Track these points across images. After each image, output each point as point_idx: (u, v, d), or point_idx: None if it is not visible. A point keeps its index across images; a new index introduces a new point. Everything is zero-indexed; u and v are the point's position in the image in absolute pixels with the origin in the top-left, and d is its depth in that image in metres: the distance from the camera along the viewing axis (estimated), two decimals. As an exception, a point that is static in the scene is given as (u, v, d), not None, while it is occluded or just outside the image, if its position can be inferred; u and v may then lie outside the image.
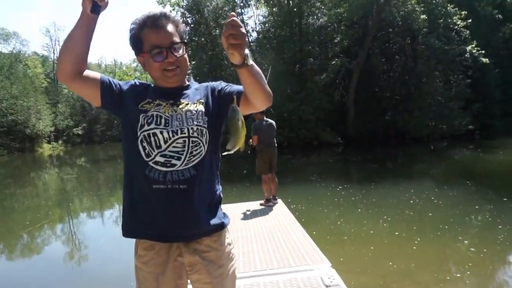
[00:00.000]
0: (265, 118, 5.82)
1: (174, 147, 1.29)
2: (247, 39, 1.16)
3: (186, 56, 1.38)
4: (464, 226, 5.66)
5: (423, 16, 19.34)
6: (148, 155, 1.29)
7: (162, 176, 1.28)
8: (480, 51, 19.76)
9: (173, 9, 25.80)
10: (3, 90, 33.13)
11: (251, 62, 1.14)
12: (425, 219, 5.94)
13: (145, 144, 1.30)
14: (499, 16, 25.06)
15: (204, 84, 1.50)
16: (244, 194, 8.35)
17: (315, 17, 24.15)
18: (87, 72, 1.30)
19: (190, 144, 1.31)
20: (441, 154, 15.93)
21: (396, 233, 5.23)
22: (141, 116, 1.31)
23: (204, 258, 1.34)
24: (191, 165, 1.30)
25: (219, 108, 1.40)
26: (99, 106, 1.37)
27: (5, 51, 40.27)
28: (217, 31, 24.86)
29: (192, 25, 25.80)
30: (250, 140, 5.67)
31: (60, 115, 43.69)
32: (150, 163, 1.29)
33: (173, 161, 1.29)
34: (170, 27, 1.34)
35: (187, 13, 25.93)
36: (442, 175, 10.76)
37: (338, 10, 21.91)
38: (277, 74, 21.16)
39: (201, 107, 1.37)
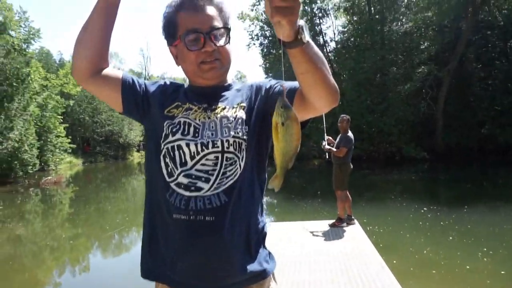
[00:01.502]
0: None
1: (202, 164, 1.00)
2: (306, 19, 0.75)
3: (229, 48, 1.09)
4: None
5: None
6: (170, 174, 1.02)
7: (185, 203, 0.99)
8: None
9: (253, 23, 26.51)
10: (103, 104, 37.28)
11: (307, 38, 0.80)
12: (540, 257, 4.82)
13: (168, 160, 1.02)
14: None
15: (249, 83, 1.17)
16: (316, 211, 7.85)
17: (399, 23, 22.65)
18: (107, 71, 1.08)
19: (224, 162, 1.01)
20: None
21: (502, 272, 4.28)
22: (165, 124, 1.05)
23: None
24: (221, 189, 1.00)
25: (267, 113, 1.04)
26: (121, 112, 1.14)
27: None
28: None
29: (270, 38, 26.15)
30: (325, 146, 5.21)
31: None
32: (172, 184, 1.01)
33: (199, 184, 0.99)
34: (211, 10, 1.07)
35: (265, 27, 26.37)
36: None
37: (427, 14, 20.23)
38: (356, 84, 20.22)
39: (242, 113, 1.07)
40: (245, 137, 1.04)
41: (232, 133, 1.02)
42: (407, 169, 15.87)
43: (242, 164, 1.03)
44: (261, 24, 26.63)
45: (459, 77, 19.42)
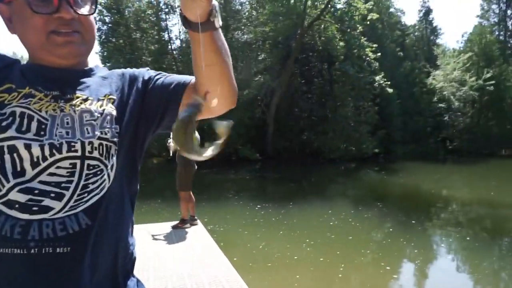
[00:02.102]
0: None
1: (51, 174, 0.70)
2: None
3: (93, 20, 0.81)
4: (383, 250, 5.67)
5: (342, 43, 20.70)
6: None
7: (21, 231, 0.68)
8: (386, 82, 21.89)
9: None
10: None
11: (220, 22, 0.70)
12: (347, 243, 5.82)
13: None
14: (401, 53, 28.33)
15: (118, 70, 0.88)
16: (156, 213, 7.45)
17: (241, 32, 24.27)
18: None
19: (85, 171, 0.73)
20: (351, 175, 16.84)
21: (321, 259, 4.95)
22: None
23: None
24: (81, 208, 0.72)
25: (146, 112, 0.85)
26: None
27: None
28: (138, 34, 23.41)
29: (110, 25, 23.85)
30: (170, 143, 4.94)
31: None
32: None
33: (47, 202, 0.69)
34: None
35: (105, 11, 23.90)
36: (354, 196, 11.17)
37: (264, 28, 22.35)
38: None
39: (111, 108, 0.80)
40: (115, 139, 0.77)
41: (97, 133, 0.75)
42: (242, 169, 17.06)
43: (112, 174, 0.76)
44: (100, 7, 24.00)
45: (288, 89, 22.23)
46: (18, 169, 0.69)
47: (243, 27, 24.09)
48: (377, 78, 22.10)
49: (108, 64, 24.52)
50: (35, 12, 0.73)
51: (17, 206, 0.68)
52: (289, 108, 22.59)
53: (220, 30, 0.72)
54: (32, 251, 0.67)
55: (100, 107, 0.79)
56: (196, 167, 5.31)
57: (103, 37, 24.35)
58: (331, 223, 7.04)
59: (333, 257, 5.07)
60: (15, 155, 0.69)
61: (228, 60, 0.77)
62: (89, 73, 0.84)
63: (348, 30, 21.33)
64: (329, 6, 20.74)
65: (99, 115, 0.77)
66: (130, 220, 0.84)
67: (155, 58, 22.76)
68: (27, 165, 0.69)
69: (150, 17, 24.08)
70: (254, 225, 6.86)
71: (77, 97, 0.78)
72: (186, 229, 5.04)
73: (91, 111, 0.77)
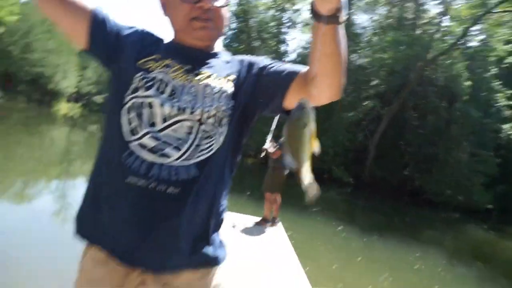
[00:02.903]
0: None
1: (174, 130, 0.88)
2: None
3: (225, 11, 0.98)
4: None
5: (468, 83, 18.74)
6: (133, 132, 0.88)
7: (146, 168, 0.85)
8: (516, 133, 19.03)
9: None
10: (39, 42, 33.67)
11: (344, 17, 0.76)
12: (431, 291, 5.28)
13: (132, 115, 0.88)
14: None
15: (239, 56, 1.05)
16: (242, 207, 7.81)
17: (357, 56, 23.84)
18: None
19: (199, 134, 0.89)
20: (452, 226, 15.06)
21: (398, 297, 4.59)
22: (138, 75, 0.91)
23: None
24: (193, 162, 0.88)
25: (256, 94, 0.98)
26: (84, 49, 0.94)
27: None
28: (257, 43, 24.84)
29: (235, 31, 25.86)
30: (268, 147, 5.18)
31: (86, 80, 44.42)
32: (133, 144, 0.87)
33: (168, 150, 0.86)
34: None
35: (234, 18, 26.00)
36: (451, 247, 9.98)
37: (383, 55, 21.58)
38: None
39: (228, 86, 0.96)
40: (228, 112, 0.92)
41: (215, 104, 0.92)
42: (333, 189, 16.65)
43: (221, 140, 0.91)
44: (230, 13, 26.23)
45: (397, 119, 20.99)
46: (152, 121, 0.88)
47: (359, 51, 23.65)
48: (506, 126, 19.34)
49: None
50: (183, 1, 0.92)
51: (147, 148, 0.86)
52: (395, 139, 21.28)
53: (343, 25, 0.79)
54: (150, 186, 0.84)
55: (220, 84, 0.95)
56: (286, 172, 5.41)
57: (228, 40, 26.51)
58: (416, 267, 6.43)
59: (412, 300, 4.65)
60: (151, 110, 0.88)
61: (344, 54, 0.83)
62: (215, 55, 1.02)
63: (478, 70, 19.23)
64: (460, 42, 19.03)
65: (218, 90, 0.93)
66: (227, 184, 0.98)
67: (270, 67, 23.84)
68: (158, 119, 0.88)
69: (272, 29, 25.33)
70: (333, 244, 6.68)
71: (203, 73, 0.95)
72: (267, 228, 5.19)
73: (212, 86, 0.93)
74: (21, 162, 8.90)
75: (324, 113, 20.70)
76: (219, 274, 0.98)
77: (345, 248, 6.63)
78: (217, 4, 0.94)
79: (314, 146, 0.81)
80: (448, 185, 18.86)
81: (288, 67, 0.96)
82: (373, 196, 17.14)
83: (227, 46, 26.21)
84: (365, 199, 16.12)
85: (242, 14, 25.32)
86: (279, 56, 25.07)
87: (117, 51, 0.95)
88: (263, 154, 5.41)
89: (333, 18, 0.74)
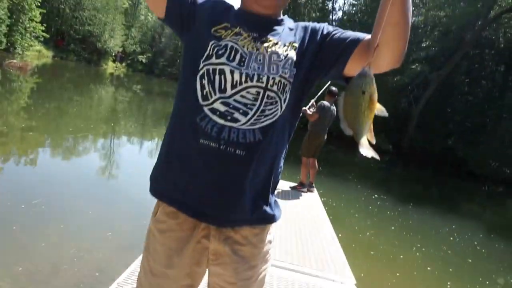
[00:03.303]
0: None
1: (242, 96, 0.94)
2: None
3: None
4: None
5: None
6: (205, 97, 0.95)
7: (217, 131, 0.93)
8: None
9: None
10: (88, 0, 34.45)
11: None
12: (463, 265, 5.31)
13: (205, 82, 0.96)
14: None
15: (302, 23, 1.09)
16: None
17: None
18: None
19: (265, 100, 0.95)
20: (494, 199, 14.53)
21: (428, 268, 4.70)
22: (211, 44, 0.97)
23: (235, 252, 1.01)
24: (258, 126, 0.95)
25: (319, 61, 1.02)
26: (161, 17, 1.03)
27: None
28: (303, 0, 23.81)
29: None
30: (308, 110, 5.25)
31: (131, 39, 45.23)
32: (206, 108, 0.95)
33: (237, 115, 0.94)
34: None
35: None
36: (490, 221, 9.76)
37: (438, 13, 20.00)
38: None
39: (293, 53, 1.00)
40: (291, 79, 0.98)
41: (280, 71, 0.96)
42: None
43: (284, 106, 0.98)
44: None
45: (445, 85, 19.79)
46: (222, 87, 0.94)
47: (413, 8, 22.03)
48: None
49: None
50: None
51: (218, 113, 0.93)
52: (441, 106, 20.19)
53: None
54: (221, 147, 0.92)
55: (285, 51, 0.99)
56: (322, 138, 5.47)
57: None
58: (451, 238, 6.45)
59: (442, 272, 4.75)
60: (222, 76, 0.94)
61: (409, 22, 0.85)
62: (280, 22, 1.05)
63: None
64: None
65: (283, 57, 0.97)
66: (285, 147, 1.07)
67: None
68: (228, 85, 0.94)
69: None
70: (367, 212, 6.81)
71: (270, 41, 0.99)
72: (303, 193, 5.40)
73: (278, 53, 0.97)
74: (72, 119, 9.63)
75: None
76: (273, 231, 1.10)
77: (379, 217, 6.73)
78: None
79: (378, 109, 0.85)
80: (494, 157, 17.90)
81: (351, 34, 0.99)
82: (411, 166, 16.77)
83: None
84: (402, 168, 15.84)
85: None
86: (326, 14, 24.04)
87: (190, 20, 1.01)
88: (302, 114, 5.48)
89: None
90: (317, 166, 5.61)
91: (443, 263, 5.08)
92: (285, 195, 5.08)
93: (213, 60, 0.95)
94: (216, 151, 0.93)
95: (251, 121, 0.94)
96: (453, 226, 7.28)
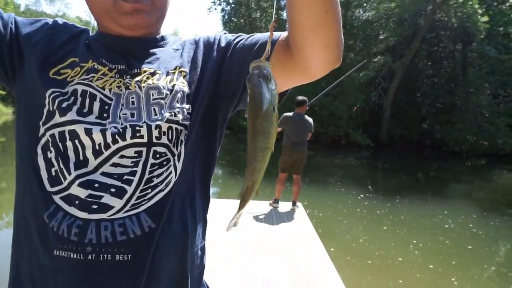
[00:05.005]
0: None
1: (114, 165, 0.62)
2: None
3: None
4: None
5: (484, 18, 17.53)
6: (55, 181, 0.62)
7: (78, 232, 0.60)
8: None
9: (217, -13, 25.10)
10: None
11: None
12: (464, 253, 5.06)
13: (51, 155, 0.62)
14: None
15: (191, 38, 0.75)
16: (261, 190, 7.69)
17: (363, 10, 22.77)
18: None
19: (150, 161, 0.63)
20: (479, 173, 14.64)
21: (431, 266, 4.41)
22: (48, 94, 0.63)
23: None
24: (144, 207, 0.62)
25: (224, 84, 0.71)
26: None
27: (49, 12, 42.68)
28: (257, 14, 24.02)
29: (233, 5, 25.06)
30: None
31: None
32: (57, 198, 0.61)
33: (106, 199, 0.61)
34: None
35: (230, -8, 25.14)
36: (480, 198, 9.67)
37: (389, 5, 20.49)
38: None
39: (182, 83, 0.69)
40: (186, 122, 0.66)
41: (166, 114, 0.65)
42: (351, 154, 16.36)
43: (179, 166, 0.66)
44: (225, -12, 25.30)
45: (410, 71, 20.16)
46: (81, 158, 0.62)
47: (365, 4, 22.54)
48: (528, 59, 18.21)
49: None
50: None
51: (77, 202, 0.61)
52: (410, 93, 20.57)
53: None
54: (89, 257, 0.60)
55: (170, 82, 0.68)
56: (298, 152, 5.01)
57: (226, 17, 25.75)
58: (446, 226, 6.23)
59: (445, 266, 4.47)
60: (76, 141, 0.62)
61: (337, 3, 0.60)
62: (159, 42, 0.74)
63: (495, 3, 18.01)
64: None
65: (168, 92, 0.67)
66: (200, 219, 0.73)
67: (273, 37, 23.37)
68: (89, 153, 0.62)
69: (270, -3, 24.42)
70: (356, 216, 6.52)
71: (144, 71, 0.68)
72: (290, 211, 5.02)
73: (159, 87, 0.67)
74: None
75: (332, 77, 20.09)
76: None
77: (369, 218, 6.45)
78: None
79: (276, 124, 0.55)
80: (470, 132, 18.21)
81: (260, 36, 0.70)
82: (393, 156, 16.78)
83: (227, 23, 25.49)
84: (385, 160, 15.79)
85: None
86: (281, 24, 24.19)
87: (15, 63, 0.67)
88: None
89: None
90: (300, 184, 5.22)
91: (444, 256, 4.80)
92: (268, 218, 4.71)
93: (58, 118, 0.62)
94: (83, 264, 0.60)
95: (132, 201, 0.62)
96: (445, 212, 7.10)
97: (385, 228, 5.95)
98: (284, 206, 5.20)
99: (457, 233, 5.98)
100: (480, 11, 17.98)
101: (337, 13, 0.60)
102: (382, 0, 20.90)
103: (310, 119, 5.11)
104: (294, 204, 5.14)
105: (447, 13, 19.46)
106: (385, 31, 21.62)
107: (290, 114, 4.99)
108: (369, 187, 9.35)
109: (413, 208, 7.48)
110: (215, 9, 26.69)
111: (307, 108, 5.12)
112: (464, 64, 19.87)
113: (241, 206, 0.60)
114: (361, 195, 7.99)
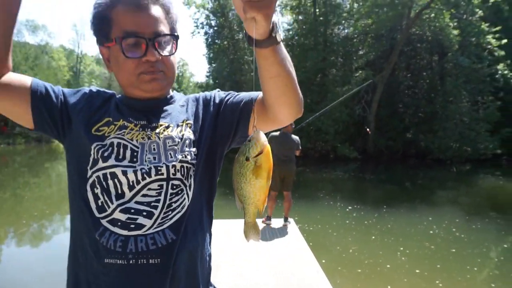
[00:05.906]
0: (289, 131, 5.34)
1: (144, 196, 0.85)
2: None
3: (174, 58, 0.93)
4: (495, 269, 5.06)
5: (455, 32, 18.46)
6: (102, 209, 0.85)
7: (121, 244, 0.83)
8: (512, 73, 18.77)
9: (198, 11, 25.73)
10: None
11: (281, 36, 0.74)
12: (448, 257, 5.33)
13: (98, 191, 0.86)
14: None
15: (191, 96, 1.03)
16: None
17: (342, 27, 23.64)
18: (10, 77, 0.85)
19: (169, 191, 0.87)
20: (464, 179, 15.09)
21: (417, 271, 4.66)
22: (93, 147, 0.87)
23: None
24: (167, 225, 0.86)
25: (220, 132, 0.96)
26: (32, 129, 0.90)
27: (32, 42, 41.67)
28: (240, 35, 24.62)
29: (215, 28, 25.67)
30: None
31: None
32: (104, 222, 0.85)
33: (140, 220, 0.84)
34: (156, 10, 0.88)
35: (211, 16, 25.80)
36: (464, 203, 10.03)
37: (366, 21, 21.37)
38: (298, 82, 20.71)
39: (188, 133, 0.93)
40: (193, 161, 0.90)
41: (179, 156, 0.89)
42: (339, 168, 16.71)
43: (190, 194, 0.90)
44: (207, 12, 25.99)
45: (391, 84, 20.85)
46: (119, 191, 0.85)
47: (343, 21, 23.42)
48: (500, 67, 19.05)
49: (213, 65, 26.48)
50: (127, 57, 0.86)
51: (119, 223, 0.84)
52: (392, 104, 21.22)
53: (282, 44, 0.76)
54: (131, 262, 0.82)
55: (180, 132, 0.92)
56: (284, 170, 5.26)
57: (209, 39, 26.30)
58: (431, 232, 6.52)
59: (431, 270, 4.73)
60: (116, 180, 0.85)
61: (292, 71, 0.81)
62: (169, 101, 0.98)
63: (464, 16, 18.96)
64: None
65: (179, 140, 0.90)
66: (208, 232, 0.97)
67: (256, 57, 23.76)
68: (125, 188, 0.85)
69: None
70: (345, 228, 6.77)
71: (161, 125, 0.92)
72: (282, 227, 5.25)
73: (172, 137, 0.90)
74: (32, 203, 9.06)
75: (317, 93, 20.67)
76: None
77: (358, 229, 6.71)
78: (164, 53, 0.89)
79: (264, 186, 0.76)
80: (452, 139, 18.82)
81: (244, 95, 0.96)
82: (380, 167, 17.18)
83: (210, 45, 26.05)
84: (372, 172, 16.16)
85: (220, 10, 25.02)
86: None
87: (65, 124, 0.90)
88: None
89: (270, 40, 0.72)
90: (290, 200, 5.48)
91: (430, 261, 5.07)
92: (262, 235, 4.89)
93: (101, 164, 0.85)
94: (126, 268, 0.83)
95: (158, 221, 0.85)
96: (430, 218, 7.39)
97: (373, 237, 6.20)
98: (277, 223, 5.43)
99: (441, 238, 6.26)
100: (451, 24, 18.92)
101: (295, 84, 0.83)
102: (359, 18, 21.79)
103: (296, 137, 5.41)
104: (286, 220, 5.38)
105: (421, 27, 20.40)
106: (364, 47, 22.42)
107: (277, 133, 5.28)
108: (357, 199, 9.64)
109: (399, 216, 7.77)
110: (198, 32, 27.18)
111: (293, 127, 5.42)
112: (442, 75, 20.68)
113: (248, 227, 0.86)
114: (349, 207, 8.26)
